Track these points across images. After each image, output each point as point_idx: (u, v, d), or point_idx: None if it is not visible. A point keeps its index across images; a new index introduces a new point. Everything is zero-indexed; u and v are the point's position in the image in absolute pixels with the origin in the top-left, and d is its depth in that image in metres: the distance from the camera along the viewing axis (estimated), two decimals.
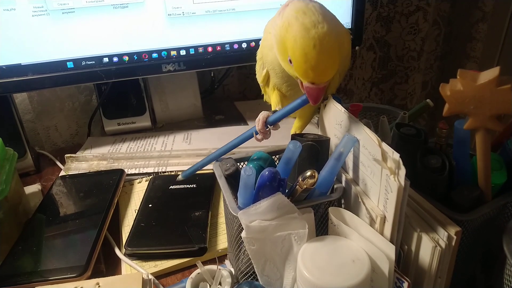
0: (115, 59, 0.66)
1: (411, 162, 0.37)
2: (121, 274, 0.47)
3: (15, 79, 0.62)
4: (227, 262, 0.47)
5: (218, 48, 0.69)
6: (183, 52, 0.68)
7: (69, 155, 0.67)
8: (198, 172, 0.63)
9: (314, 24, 0.34)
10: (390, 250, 0.33)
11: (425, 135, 0.42)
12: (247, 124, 0.79)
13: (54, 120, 0.81)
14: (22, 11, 0.59)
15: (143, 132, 0.79)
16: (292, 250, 0.36)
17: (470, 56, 1.06)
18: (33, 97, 0.77)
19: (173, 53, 0.68)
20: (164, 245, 0.49)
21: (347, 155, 0.38)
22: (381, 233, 0.35)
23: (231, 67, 0.89)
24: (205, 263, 0.45)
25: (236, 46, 0.70)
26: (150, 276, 0.45)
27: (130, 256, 0.49)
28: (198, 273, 0.43)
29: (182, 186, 0.59)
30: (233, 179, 0.41)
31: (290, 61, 0.36)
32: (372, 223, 0.36)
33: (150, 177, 0.62)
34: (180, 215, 0.53)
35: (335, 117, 0.42)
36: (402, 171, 0.31)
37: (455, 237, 0.34)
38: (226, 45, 0.69)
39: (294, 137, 0.43)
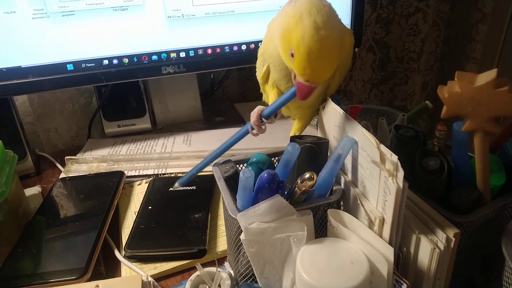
0: (115, 61, 0.66)
1: (410, 164, 0.37)
2: (120, 276, 0.48)
3: (15, 81, 0.62)
4: (226, 264, 0.47)
5: (218, 50, 0.69)
6: (182, 54, 0.68)
7: (69, 157, 0.68)
8: (197, 174, 0.63)
9: (325, 25, 0.34)
10: (389, 252, 0.33)
11: (423, 137, 0.42)
12: None
13: (54, 122, 0.81)
14: (22, 13, 0.59)
15: (143, 134, 0.79)
16: (291, 252, 0.37)
17: (470, 57, 1.06)
18: (33, 99, 0.77)
19: (173, 55, 0.68)
20: (163, 247, 0.49)
21: (346, 157, 0.38)
22: (380, 235, 0.35)
23: (231, 69, 0.89)
24: (204, 265, 0.45)
25: (235, 48, 0.70)
26: (150, 278, 0.45)
27: (130, 258, 0.49)
28: (198, 275, 0.43)
29: (181, 188, 0.59)
30: (232, 181, 0.42)
31: (292, 55, 0.36)
32: (371, 225, 0.36)
33: (150, 179, 0.63)
34: (180, 217, 0.53)
35: (334, 119, 0.43)
36: (401, 173, 0.31)
37: (453, 239, 0.34)
38: (226, 47, 0.69)
39: (293, 139, 0.43)
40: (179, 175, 0.64)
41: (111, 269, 0.49)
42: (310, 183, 0.36)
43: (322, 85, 0.45)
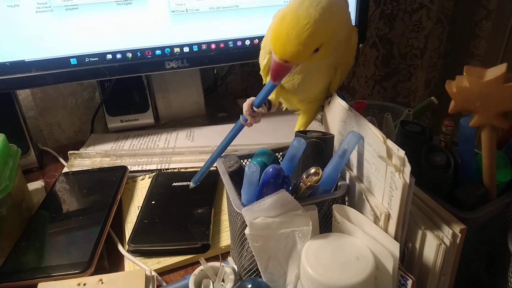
0: (119, 55, 0.66)
1: (416, 160, 0.36)
2: (124, 270, 0.48)
3: (18, 75, 0.62)
4: (230, 259, 0.47)
5: (222, 45, 0.69)
6: (186, 49, 0.68)
7: (72, 152, 0.67)
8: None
9: (307, 8, 0.34)
10: (395, 247, 0.33)
11: (430, 133, 0.42)
12: None
13: (57, 117, 0.81)
14: (25, 7, 0.59)
15: (146, 129, 0.79)
16: (295, 247, 0.36)
17: (474, 54, 1.05)
18: (36, 93, 0.77)
19: (176, 50, 0.68)
20: (167, 242, 0.49)
21: (351, 152, 0.38)
22: (386, 230, 0.35)
23: (234, 64, 0.88)
24: (208, 260, 0.45)
25: (239, 43, 0.69)
26: (153, 273, 0.45)
27: (133, 252, 0.49)
28: (201, 270, 0.43)
29: (185, 183, 0.59)
30: (237, 176, 0.41)
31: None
32: (376, 220, 0.36)
33: (153, 174, 0.62)
34: (183, 212, 0.53)
35: (339, 114, 0.42)
36: (407, 168, 0.31)
37: (459, 234, 0.34)
38: (230, 42, 0.69)
39: (298, 134, 0.43)
40: (182, 170, 0.64)
41: (114, 264, 0.49)
42: (315, 178, 0.36)
43: (323, 81, 0.44)
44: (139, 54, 0.66)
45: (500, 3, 0.98)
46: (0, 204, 0.48)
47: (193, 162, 0.65)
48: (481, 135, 0.35)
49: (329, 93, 0.46)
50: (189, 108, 0.83)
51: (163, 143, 0.72)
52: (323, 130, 0.47)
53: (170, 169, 0.64)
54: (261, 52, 0.47)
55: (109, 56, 0.65)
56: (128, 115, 0.78)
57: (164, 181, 0.60)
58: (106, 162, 0.66)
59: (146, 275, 0.43)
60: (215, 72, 0.89)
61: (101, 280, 0.42)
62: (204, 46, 0.68)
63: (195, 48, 0.68)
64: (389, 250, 0.33)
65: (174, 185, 0.59)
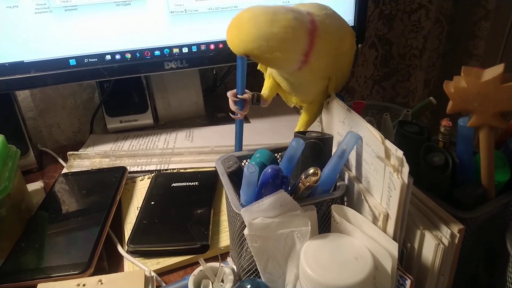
0: (118, 56, 0.66)
1: (414, 160, 0.36)
2: (123, 271, 0.48)
3: (17, 76, 0.62)
4: (229, 259, 0.47)
5: (220, 45, 0.69)
6: (185, 50, 0.68)
7: (71, 152, 0.67)
8: (200, 170, 0.64)
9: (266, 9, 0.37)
10: (393, 247, 0.33)
11: (428, 133, 0.42)
12: (249, 122, 0.79)
13: (57, 117, 0.81)
14: (25, 8, 0.59)
15: (145, 129, 0.79)
16: (294, 248, 0.36)
17: (473, 54, 1.05)
18: (35, 94, 0.77)
19: (176, 50, 0.68)
20: (166, 243, 0.49)
21: (350, 152, 0.38)
22: (384, 230, 0.35)
23: (233, 65, 0.88)
24: (207, 260, 0.45)
25: None
26: (153, 273, 0.45)
27: (133, 253, 0.49)
28: (201, 270, 0.43)
29: (184, 184, 0.59)
30: (236, 176, 0.41)
31: None
32: (375, 220, 0.36)
33: (153, 174, 0.62)
34: (182, 213, 0.53)
35: (338, 114, 0.42)
36: (406, 168, 0.31)
37: (458, 234, 0.34)
38: None
39: (297, 134, 0.43)
40: (181, 170, 0.64)
41: (114, 264, 0.49)
42: (314, 178, 0.36)
43: (322, 83, 0.44)
44: (138, 55, 0.66)
45: (499, 3, 0.98)
46: None
47: (193, 162, 0.65)
48: (479, 135, 0.35)
49: (329, 94, 0.46)
50: (188, 108, 0.83)
51: (162, 144, 0.72)
52: (322, 131, 0.47)
53: (170, 169, 0.64)
54: None
55: (108, 57, 0.65)
56: (127, 115, 0.78)
57: (163, 182, 0.60)
58: (106, 163, 0.66)
59: (145, 275, 0.43)
60: (214, 72, 0.89)
61: (100, 280, 0.42)
62: (203, 47, 0.68)
63: (194, 49, 0.68)
64: (387, 250, 0.33)
65: (173, 186, 0.59)
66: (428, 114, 1.12)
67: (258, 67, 0.48)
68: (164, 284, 0.46)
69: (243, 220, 0.36)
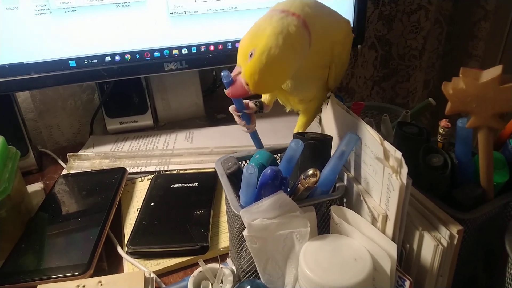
0: (117, 57, 0.66)
1: (413, 161, 0.36)
2: (123, 272, 0.48)
3: (17, 77, 0.62)
4: (229, 260, 0.47)
5: (220, 46, 0.69)
6: (185, 51, 0.68)
7: (71, 153, 0.68)
8: (200, 171, 0.64)
9: (284, 41, 0.37)
10: (392, 248, 0.33)
11: (427, 134, 0.42)
12: None
13: (57, 118, 0.81)
14: (24, 10, 0.59)
15: (145, 130, 0.79)
16: (294, 249, 0.37)
17: (472, 55, 1.05)
18: (35, 96, 0.77)
19: (175, 51, 0.68)
20: (166, 244, 0.49)
21: (349, 153, 0.38)
22: (383, 231, 0.35)
23: (233, 66, 0.88)
24: (207, 261, 0.45)
25: (238, 44, 0.69)
26: (152, 275, 0.45)
27: (132, 254, 0.49)
28: (200, 272, 0.43)
29: (184, 185, 0.59)
30: (235, 177, 0.41)
31: (251, 55, 0.38)
32: (374, 221, 0.36)
33: (152, 175, 0.63)
34: (182, 214, 0.53)
35: (337, 116, 0.42)
36: (404, 169, 0.31)
37: (457, 235, 0.34)
38: (228, 44, 0.69)
39: (296, 135, 0.43)
40: (181, 171, 0.64)
41: (113, 265, 0.49)
42: (313, 179, 0.36)
43: (323, 78, 0.45)
44: (138, 56, 0.66)
45: (498, 4, 0.98)
46: None
47: (192, 163, 0.66)
48: (478, 136, 0.35)
49: (328, 90, 0.46)
50: (188, 109, 0.83)
51: (162, 145, 0.72)
52: (321, 132, 0.48)
53: (169, 170, 0.64)
54: None
55: (108, 58, 0.65)
56: (127, 116, 0.78)
57: (163, 183, 0.60)
58: (105, 164, 0.66)
59: (145, 276, 0.43)
60: (214, 73, 0.89)
61: (100, 282, 0.42)
62: (202, 48, 0.68)
63: (194, 50, 0.68)
64: (386, 251, 0.33)
65: (173, 187, 0.59)
66: (428, 115, 1.12)
67: None
68: (163, 285, 0.46)
69: (242, 221, 0.36)
